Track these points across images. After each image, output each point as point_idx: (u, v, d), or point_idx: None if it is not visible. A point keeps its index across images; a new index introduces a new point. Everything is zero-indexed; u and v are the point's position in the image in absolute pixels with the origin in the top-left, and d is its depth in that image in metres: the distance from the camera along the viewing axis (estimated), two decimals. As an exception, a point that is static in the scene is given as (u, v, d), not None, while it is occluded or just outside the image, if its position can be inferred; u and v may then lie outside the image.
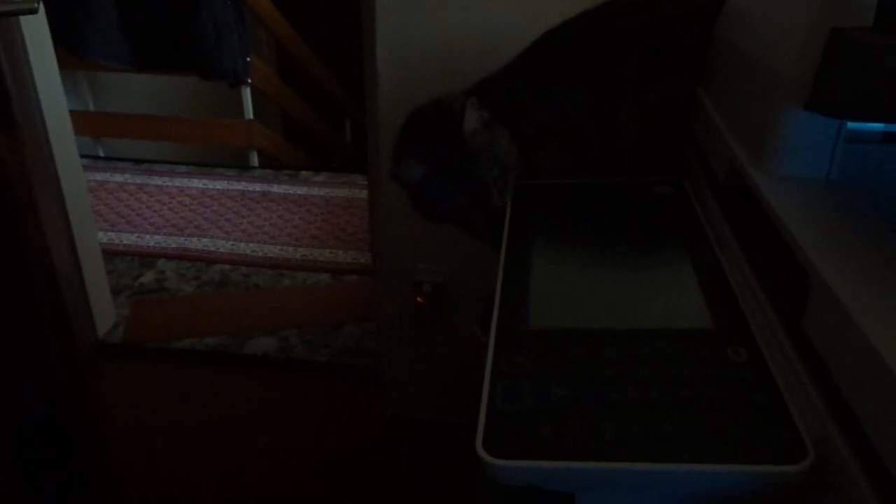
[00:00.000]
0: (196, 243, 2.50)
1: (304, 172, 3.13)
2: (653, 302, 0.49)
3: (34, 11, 0.98)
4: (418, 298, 1.62)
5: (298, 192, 2.91)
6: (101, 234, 2.41)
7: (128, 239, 2.51)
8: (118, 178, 3.00)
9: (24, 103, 1.12)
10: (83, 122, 2.87)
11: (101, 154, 3.31)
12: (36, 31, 1.58)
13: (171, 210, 2.74)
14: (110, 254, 2.36)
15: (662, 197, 0.63)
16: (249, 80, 2.91)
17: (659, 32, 0.73)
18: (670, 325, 0.46)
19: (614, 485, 0.36)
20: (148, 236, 2.54)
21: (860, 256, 0.40)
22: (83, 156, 1.91)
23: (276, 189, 2.93)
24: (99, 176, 2.99)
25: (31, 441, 1.29)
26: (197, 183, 2.97)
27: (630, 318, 0.48)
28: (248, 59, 2.85)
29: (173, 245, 2.48)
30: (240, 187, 2.94)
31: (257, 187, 2.94)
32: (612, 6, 0.78)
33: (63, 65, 1.75)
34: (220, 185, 2.96)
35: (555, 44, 0.79)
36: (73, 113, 1.83)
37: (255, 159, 3.21)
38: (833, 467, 0.35)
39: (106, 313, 2.03)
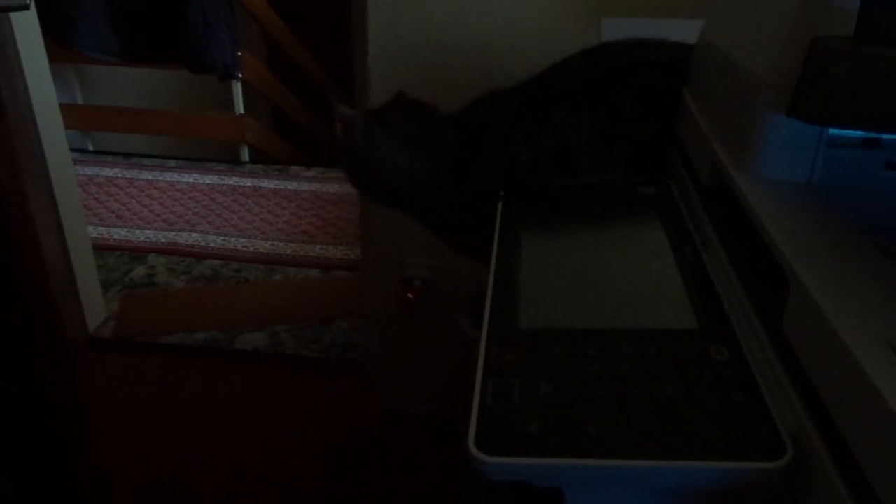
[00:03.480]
0: (186, 238, 2.49)
1: (294, 167, 3.13)
2: (638, 302, 0.50)
3: (26, 8, 0.98)
4: (408, 294, 1.63)
5: (289, 186, 2.91)
6: (90, 228, 2.40)
7: (118, 233, 2.51)
8: (107, 172, 2.99)
9: (12, 95, 1.12)
10: (72, 116, 2.85)
11: (90, 148, 3.29)
12: (25, 22, 1.57)
13: (161, 205, 2.73)
14: (100, 248, 2.35)
15: (647, 197, 0.65)
16: (240, 75, 2.90)
17: (651, 73, 0.76)
18: (655, 325, 0.48)
19: (599, 480, 0.38)
20: (138, 231, 2.53)
21: (838, 260, 0.42)
22: (72, 149, 1.90)
23: (266, 184, 2.93)
24: (88, 170, 2.98)
25: (16, 435, 1.29)
26: (187, 177, 2.96)
27: (616, 317, 0.49)
28: (239, 53, 2.84)
29: (163, 240, 2.48)
30: (230, 182, 2.94)
31: (248, 182, 2.94)
32: (609, 46, 0.82)
33: (51, 57, 1.74)
34: (210, 179, 2.95)
35: (557, 74, 0.81)
36: (61, 106, 1.83)
37: (245, 154, 3.20)
38: (809, 463, 0.37)
39: (96, 308, 2.03)
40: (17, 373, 1.24)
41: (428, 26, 1.39)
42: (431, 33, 1.39)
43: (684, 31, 1.14)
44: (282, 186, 2.91)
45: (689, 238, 0.57)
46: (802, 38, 0.47)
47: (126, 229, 2.54)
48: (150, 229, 2.55)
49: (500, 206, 0.64)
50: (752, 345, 0.44)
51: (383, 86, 1.45)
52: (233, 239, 2.51)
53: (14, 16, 1.26)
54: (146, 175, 2.98)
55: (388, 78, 1.44)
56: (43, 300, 1.20)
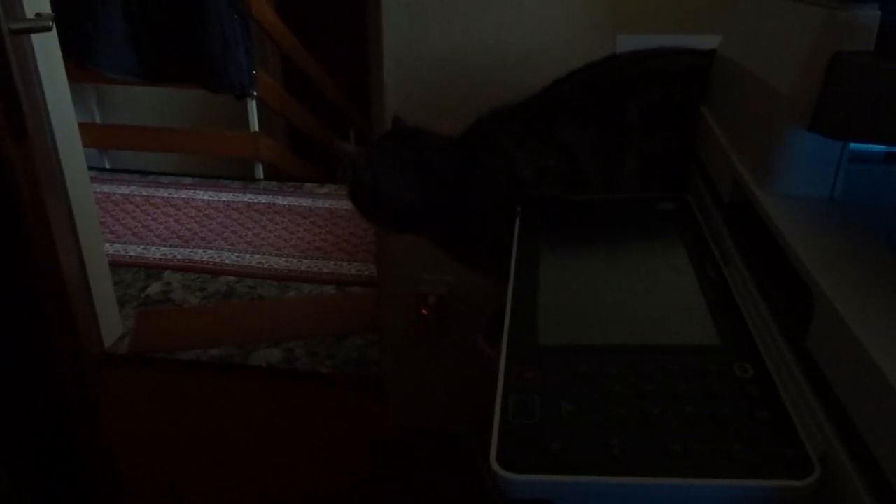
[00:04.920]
0: (202, 255, 2.51)
1: (308, 184, 3.15)
2: (659, 318, 0.50)
3: (48, 29, 1.00)
4: (423, 310, 1.63)
5: (303, 203, 2.93)
6: (107, 245, 2.43)
7: (134, 250, 2.53)
8: (124, 189, 3.02)
9: (34, 115, 1.14)
10: (90, 134, 2.89)
11: (108, 166, 3.33)
12: (46, 43, 1.60)
13: (176, 222, 2.75)
14: (116, 265, 2.37)
15: (666, 213, 0.64)
16: (255, 93, 2.93)
17: (659, 85, 0.76)
18: (676, 341, 0.47)
19: (624, 499, 0.37)
20: (154, 248, 2.55)
21: (863, 275, 0.41)
22: (89, 167, 1.93)
23: (281, 201, 2.94)
24: (105, 188, 3.01)
25: (37, 448, 1.29)
26: (202, 195, 2.99)
27: (636, 333, 0.49)
28: (255, 72, 2.87)
29: (179, 256, 2.49)
30: (245, 199, 2.96)
31: (263, 199, 2.96)
32: (615, 58, 0.82)
33: (70, 77, 1.77)
34: (225, 196, 2.98)
35: (563, 89, 0.81)
36: (80, 125, 1.85)
37: (260, 171, 3.23)
38: (837, 482, 0.36)
39: (112, 324, 2.04)
40: (37, 386, 1.25)
41: (444, 42, 1.40)
42: (447, 49, 1.41)
43: (700, 47, 1.14)
44: (296, 203, 2.93)
45: (709, 254, 0.57)
46: (824, 54, 0.47)
47: (142, 246, 2.56)
48: (165, 246, 2.57)
49: (517, 221, 0.64)
50: (776, 361, 0.44)
51: (400, 102, 1.46)
52: (247, 255, 2.52)
53: (35, 36, 1.29)
54: (162, 192, 3.01)
55: (405, 94, 1.45)
56: (62, 315, 1.21)
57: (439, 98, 1.46)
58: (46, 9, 1.59)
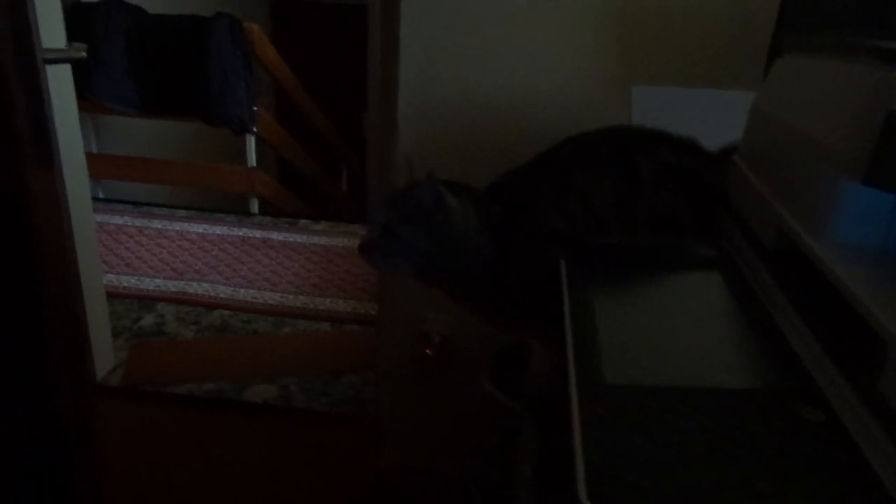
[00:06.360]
0: (196, 287, 2.49)
1: (303, 220, 3.15)
2: (719, 360, 0.51)
3: (81, 59, 1.01)
4: (427, 350, 1.63)
5: (298, 239, 2.93)
6: (100, 275, 2.39)
7: (127, 281, 2.50)
8: (118, 220, 3.00)
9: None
10: (87, 164, 2.88)
11: (101, 195, 3.31)
12: (58, 72, 1.61)
13: (170, 254, 2.73)
14: (110, 296, 2.34)
15: (708, 258, 0.66)
16: (255, 129, 2.95)
17: (672, 148, 0.80)
18: (740, 384, 0.48)
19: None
20: (147, 279, 2.53)
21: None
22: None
23: (276, 236, 2.94)
24: (98, 217, 2.98)
25: (33, 482, 1.26)
26: (197, 227, 2.97)
27: (699, 375, 0.50)
28: (255, 108, 2.90)
29: (173, 289, 2.47)
30: (240, 233, 2.95)
31: (257, 233, 2.95)
32: (628, 126, 0.87)
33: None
34: (220, 230, 2.97)
35: (578, 144, 0.85)
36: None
37: (255, 206, 3.23)
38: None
39: (105, 355, 2.01)
40: (37, 418, 1.22)
41: (456, 85, 1.43)
42: (459, 92, 1.43)
43: (716, 101, 1.18)
44: (291, 239, 2.93)
45: (755, 299, 0.59)
46: (878, 112, 0.49)
47: (136, 277, 2.54)
48: (159, 278, 2.54)
49: (564, 266, 0.65)
50: (842, 405, 0.45)
51: (412, 144, 1.48)
52: (242, 290, 2.51)
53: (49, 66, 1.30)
54: (156, 224, 2.99)
55: (417, 135, 1.47)
56: (71, 347, 1.19)
57: (450, 138, 1.49)
58: (61, 40, 1.60)
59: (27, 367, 1.12)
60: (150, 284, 2.49)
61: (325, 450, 1.83)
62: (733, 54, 1.30)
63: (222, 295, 2.46)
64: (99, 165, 3.22)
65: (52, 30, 1.52)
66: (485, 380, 1.50)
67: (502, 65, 1.40)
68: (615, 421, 0.45)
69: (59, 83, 1.63)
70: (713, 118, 1.15)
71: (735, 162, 0.75)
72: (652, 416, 0.45)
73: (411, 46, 1.40)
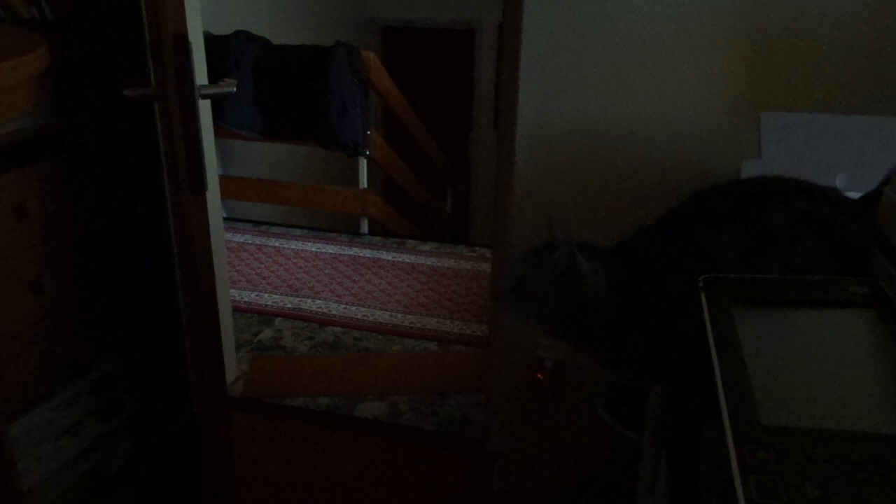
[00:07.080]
0: (310, 304, 2.60)
1: (410, 241, 3.23)
2: (884, 404, 0.50)
3: (232, 93, 1.10)
4: (539, 375, 1.63)
5: (406, 259, 3.00)
6: (225, 290, 2.55)
7: (248, 296, 2.65)
8: (239, 237, 3.18)
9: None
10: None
11: (224, 214, 3.52)
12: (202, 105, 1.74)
13: (286, 271, 2.87)
14: (233, 310, 2.49)
15: (861, 296, 0.64)
16: (368, 152, 3.06)
17: (809, 197, 0.76)
18: (909, 432, 0.47)
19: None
20: (266, 294, 2.66)
21: None
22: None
23: (385, 256, 3.03)
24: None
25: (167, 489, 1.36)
26: (311, 246, 3.11)
27: (860, 419, 0.48)
28: (369, 132, 3.01)
29: (289, 305, 2.59)
30: (351, 252, 3.06)
31: (367, 253, 3.05)
32: (762, 176, 0.83)
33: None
34: (332, 249, 3.09)
35: (703, 197, 0.82)
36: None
37: (365, 226, 3.34)
38: None
39: (229, 367, 2.13)
40: (181, 423, 1.32)
41: (577, 116, 1.43)
42: (580, 123, 1.43)
43: (856, 127, 1.12)
44: (399, 259, 3.01)
45: (919, 342, 0.56)
46: None
47: (255, 293, 2.68)
48: (277, 294, 2.67)
49: (705, 299, 0.65)
50: None
51: (529, 173, 1.49)
52: (353, 308, 2.59)
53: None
54: (273, 242, 3.15)
55: (533, 163, 1.49)
56: (213, 361, 1.28)
57: (568, 169, 1.49)
58: (203, 74, 1.74)
59: (175, 371, 1.21)
60: (269, 300, 2.62)
61: (435, 470, 1.86)
62: (876, 76, 1.24)
63: (335, 312, 2.55)
64: (224, 186, 3.44)
65: (198, 66, 1.65)
66: (600, 407, 1.48)
67: (626, 97, 1.38)
68: (780, 464, 0.44)
69: (203, 113, 1.77)
70: (853, 146, 1.09)
71: (886, 194, 0.72)
72: (822, 462, 0.44)
73: (532, 80, 1.41)
